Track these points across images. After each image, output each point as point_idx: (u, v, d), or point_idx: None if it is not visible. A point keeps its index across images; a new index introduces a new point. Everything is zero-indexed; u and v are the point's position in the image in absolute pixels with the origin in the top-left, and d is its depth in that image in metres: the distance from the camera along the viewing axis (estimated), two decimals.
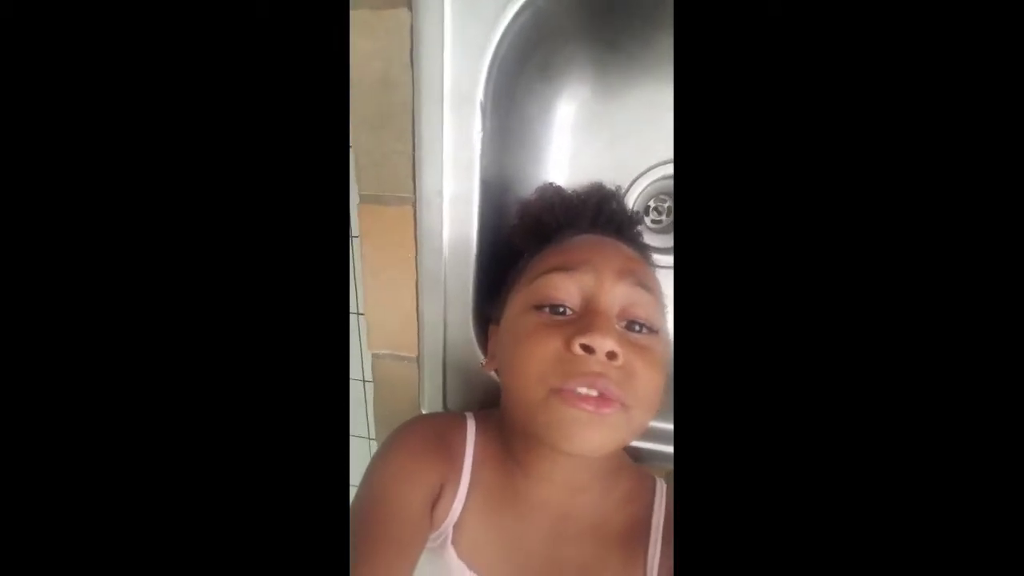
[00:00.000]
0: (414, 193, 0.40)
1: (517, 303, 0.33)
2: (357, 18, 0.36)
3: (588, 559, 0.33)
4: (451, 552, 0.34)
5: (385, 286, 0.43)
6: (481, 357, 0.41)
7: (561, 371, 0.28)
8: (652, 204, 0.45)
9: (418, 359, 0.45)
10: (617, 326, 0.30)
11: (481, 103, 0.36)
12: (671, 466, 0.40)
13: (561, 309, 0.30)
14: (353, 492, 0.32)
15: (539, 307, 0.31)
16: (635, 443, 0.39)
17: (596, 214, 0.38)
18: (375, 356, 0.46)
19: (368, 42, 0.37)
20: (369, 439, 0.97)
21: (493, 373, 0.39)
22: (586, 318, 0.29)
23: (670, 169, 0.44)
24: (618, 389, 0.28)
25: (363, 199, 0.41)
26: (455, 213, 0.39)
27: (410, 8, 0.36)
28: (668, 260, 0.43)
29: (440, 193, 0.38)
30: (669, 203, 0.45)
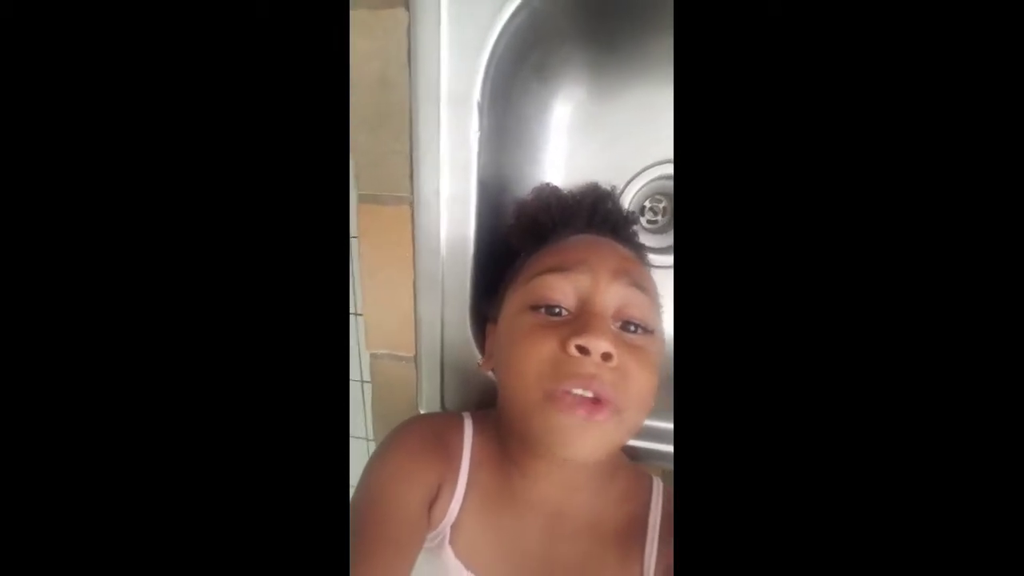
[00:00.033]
0: (411, 193, 0.40)
1: (513, 303, 0.33)
2: (355, 18, 0.37)
3: (585, 558, 0.34)
4: (449, 552, 0.34)
5: (382, 286, 0.43)
6: (479, 356, 0.41)
7: (556, 373, 0.28)
8: (648, 204, 0.46)
9: (416, 359, 0.45)
10: (612, 326, 0.30)
11: (478, 103, 0.36)
12: (668, 465, 0.40)
13: (557, 310, 0.31)
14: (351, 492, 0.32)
15: (535, 308, 0.31)
16: (632, 442, 0.39)
17: (591, 214, 0.38)
18: (373, 356, 0.46)
19: (366, 42, 0.37)
20: (367, 440, 0.97)
21: (490, 373, 0.40)
22: (582, 319, 0.29)
23: (665, 170, 0.44)
24: (612, 391, 0.28)
25: (361, 199, 0.41)
26: (452, 213, 0.39)
27: (407, 8, 0.36)
28: (664, 260, 0.44)
29: (437, 193, 0.39)
30: (665, 203, 0.45)
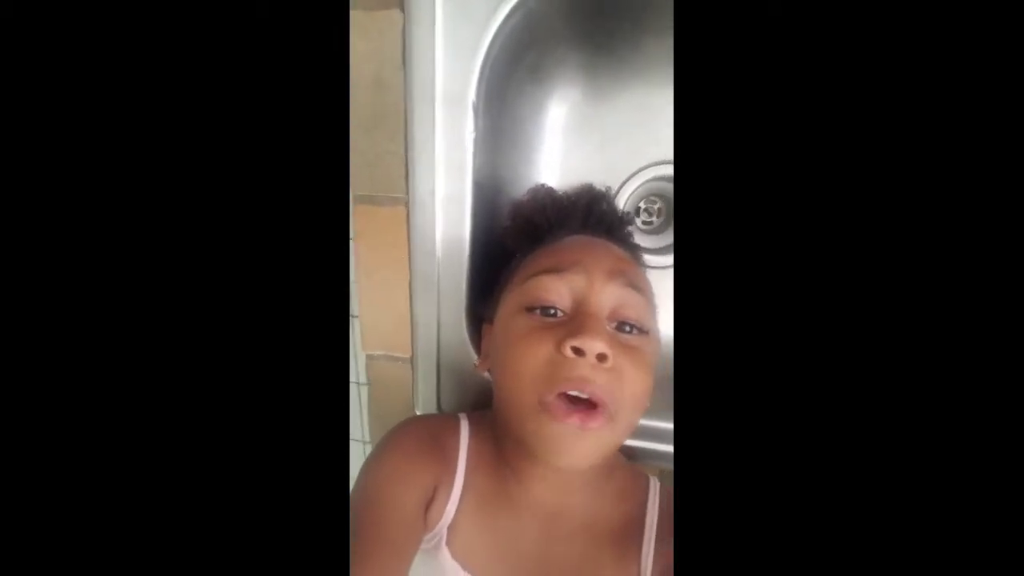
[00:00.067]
0: (407, 194, 0.40)
1: (509, 304, 0.33)
2: (350, 19, 0.37)
3: (582, 558, 0.34)
4: (445, 553, 0.34)
5: (379, 287, 0.43)
6: (475, 357, 0.41)
7: (552, 375, 0.28)
8: (643, 205, 0.46)
9: (412, 360, 0.44)
10: (608, 327, 0.30)
11: (473, 104, 0.36)
12: (665, 464, 0.41)
13: (552, 311, 0.31)
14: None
15: (530, 309, 0.31)
16: (630, 442, 0.39)
17: (586, 215, 0.38)
18: (369, 357, 0.46)
19: (361, 43, 0.37)
20: (364, 442, 0.96)
21: (486, 374, 0.40)
22: (577, 320, 0.29)
23: (660, 171, 0.44)
24: (607, 392, 0.28)
25: (356, 200, 0.41)
26: (448, 214, 0.39)
27: (402, 9, 0.36)
28: (659, 260, 0.44)
29: (433, 194, 0.39)
30: (660, 204, 0.45)
